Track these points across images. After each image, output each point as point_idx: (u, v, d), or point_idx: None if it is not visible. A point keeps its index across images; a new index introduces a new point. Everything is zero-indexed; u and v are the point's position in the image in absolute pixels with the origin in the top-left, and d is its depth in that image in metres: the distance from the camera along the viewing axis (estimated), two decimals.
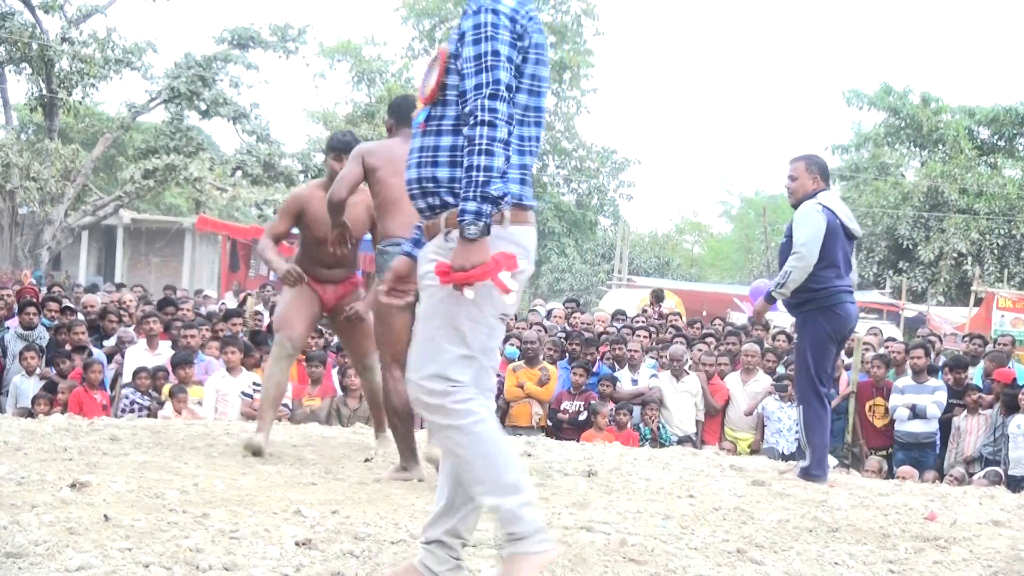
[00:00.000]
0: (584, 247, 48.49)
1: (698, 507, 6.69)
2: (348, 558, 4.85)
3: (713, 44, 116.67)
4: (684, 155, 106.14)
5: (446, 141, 4.30)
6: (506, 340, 14.80)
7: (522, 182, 4.33)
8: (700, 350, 14.60)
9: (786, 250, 8.57)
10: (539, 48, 4.31)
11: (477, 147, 4.06)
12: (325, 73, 46.58)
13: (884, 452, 12.99)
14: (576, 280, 44.97)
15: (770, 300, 8.61)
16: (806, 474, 8.39)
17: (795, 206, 8.78)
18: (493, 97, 4.09)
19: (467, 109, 4.14)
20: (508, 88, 4.14)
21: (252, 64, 35.18)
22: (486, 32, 4.17)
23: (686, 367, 13.82)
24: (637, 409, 13.26)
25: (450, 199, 4.26)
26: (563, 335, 15.34)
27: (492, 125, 4.06)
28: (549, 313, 19.28)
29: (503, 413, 13.23)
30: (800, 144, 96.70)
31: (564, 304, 20.43)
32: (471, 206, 4.02)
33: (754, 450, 12.91)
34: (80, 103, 34.24)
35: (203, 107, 34.24)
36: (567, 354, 14.39)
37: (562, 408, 13.20)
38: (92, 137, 40.20)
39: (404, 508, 6.11)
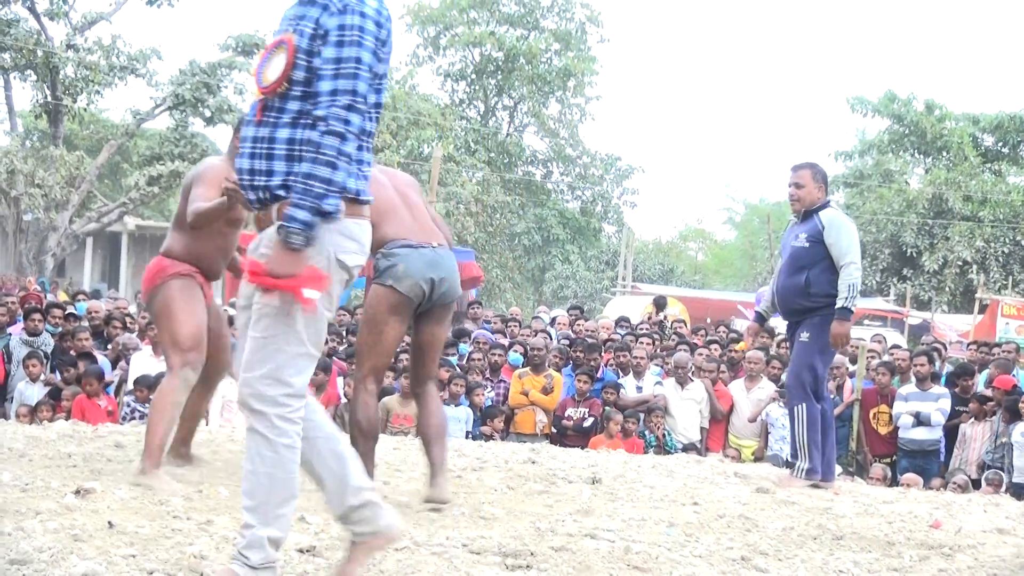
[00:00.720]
0: (588, 254, 48.54)
1: (702, 515, 6.69)
2: None
3: (717, 51, 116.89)
4: (688, 162, 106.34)
5: (283, 134, 4.22)
6: (510, 347, 14.80)
7: (360, 177, 4.28)
8: (703, 356, 14.59)
9: (809, 255, 8.64)
10: (388, 47, 4.30)
11: (323, 157, 4.02)
12: None
13: (888, 460, 12.98)
14: (580, 287, 44.99)
15: (847, 315, 8.54)
16: (812, 475, 8.44)
17: (800, 213, 8.83)
18: (350, 108, 4.07)
19: (319, 112, 4.08)
20: (365, 99, 4.12)
21: None
22: (352, 36, 4.12)
23: (690, 374, 13.81)
24: (641, 416, 13.25)
25: (281, 192, 4.22)
26: (567, 342, 15.32)
27: (343, 138, 4.04)
28: (553, 320, 19.25)
29: (507, 420, 13.23)
30: (804, 151, 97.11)
31: (568, 311, 20.40)
32: (301, 215, 3.99)
33: (758, 457, 12.89)
34: (85, 110, 34.28)
35: (208, 114, 34.25)
36: (571, 361, 14.37)
37: (566, 415, 13.18)
38: (97, 144, 40.29)
39: (408, 515, 6.10)
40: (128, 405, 11.79)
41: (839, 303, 8.49)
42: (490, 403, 13.21)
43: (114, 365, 13.05)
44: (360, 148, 4.21)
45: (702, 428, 13.64)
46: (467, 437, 11.90)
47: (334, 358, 13.43)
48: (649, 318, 20.63)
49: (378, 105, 4.31)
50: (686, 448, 12.69)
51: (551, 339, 15.41)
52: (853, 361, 13.76)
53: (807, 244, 8.65)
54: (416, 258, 6.45)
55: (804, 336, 8.70)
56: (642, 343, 15.18)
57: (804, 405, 8.65)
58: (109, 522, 5.21)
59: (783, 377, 13.65)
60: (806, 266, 8.65)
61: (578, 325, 17.82)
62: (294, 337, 4.18)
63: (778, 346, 15.23)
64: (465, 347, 15.08)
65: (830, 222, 8.65)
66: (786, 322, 9.32)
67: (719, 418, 13.72)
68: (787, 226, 9.36)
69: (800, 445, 8.65)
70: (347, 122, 4.04)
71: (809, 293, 8.63)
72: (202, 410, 7.68)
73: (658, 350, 15.58)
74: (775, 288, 9.02)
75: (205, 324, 6.97)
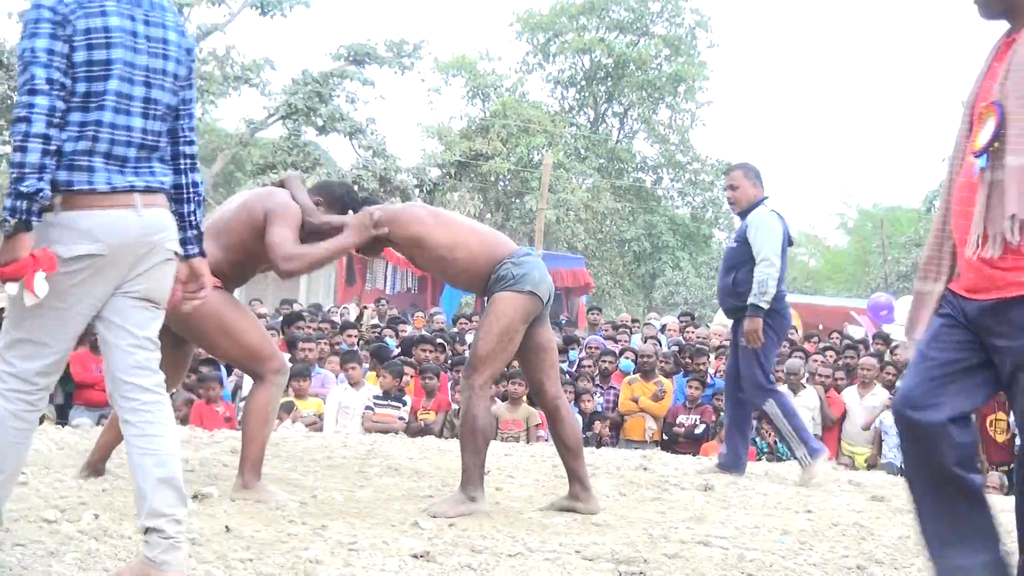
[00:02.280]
0: (698, 260, 48.28)
1: (816, 522, 6.64)
2: (465, 571, 4.86)
3: (828, 54, 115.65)
4: (800, 167, 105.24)
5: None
6: (621, 353, 14.79)
7: (88, 168, 4.23)
8: (817, 362, 14.47)
9: (736, 255, 8.76)
10: (91, 33, 4.23)
11: (14, 144, 4.07)
12: (440, 88, 46.69)
13: (1005, 468, 12.77)
14: (690, 293, 44.74)
15: (759, 312, 8.57)
16: (817, 453, 8.63)
17: (741, 214, 8.90)
18: (31, 93, 4.07)
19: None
20: (49, 81, 4.10)
21: (368, 80, 35.45)
22: (27, 29, 4.17)
23: (803, 381, 13.70)
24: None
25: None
26: (676, 348, 15.27)
27: (28, 121, 4.05)
28: (663, 327, 19.22)
29: (616, 426, 13.22)
30: (917, 154, 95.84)
31: (679, 318, 20.36)
32: (7, 202, 4.02)
33: (871, 465, 12.77)
34: (200, 120, 34.71)
35: (320, 123, 34.55)
36: (682, 368, 14.32)
37: (678, 422, 13.13)
38: (211, 153, 40.78)
39: (521, 521, 6.12)
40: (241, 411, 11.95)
41: (749, 299, 8.56)
42: (599, 409, 13.21)
43: (229, 371, 13.22)
44: (81, 138, 4.21)
45: (815, 435, 13.53)
46: None
47: (444, 365, 13.50)
48: None
49: (104, 94, 4.26)
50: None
51: (660, 346, 15.37)
52: None
53: (735, 244, 8.80)
54: (542, 265, 6.57)
55: (742, 341, 8.71)
56: None
57: (772, 401, 8.69)
58: (226, 526, 5.28)
59: (898, 383, 13.51)
60: (735, 266, 8.77)
61: (688, 331, 17.77)
62: (19, 322, 4.23)
63: (892, 352, 15.08)
64: (575, 353, 15.11)
65: (756, 221, 8.71)
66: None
67: (830, 425, 13.59)
68: None
69: (789, 436, 8.65)
70: (30, 106, 4.06)
71: (738, 292, 8.70)
72: None
73: None
74: (717, 287, 9.15)
75: (264, 327, 6.95)
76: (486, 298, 6.57)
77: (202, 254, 4.67)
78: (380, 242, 6.68)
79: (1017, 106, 3.77)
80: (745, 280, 8.64)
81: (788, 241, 8.82)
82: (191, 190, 4.60)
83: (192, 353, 7.17)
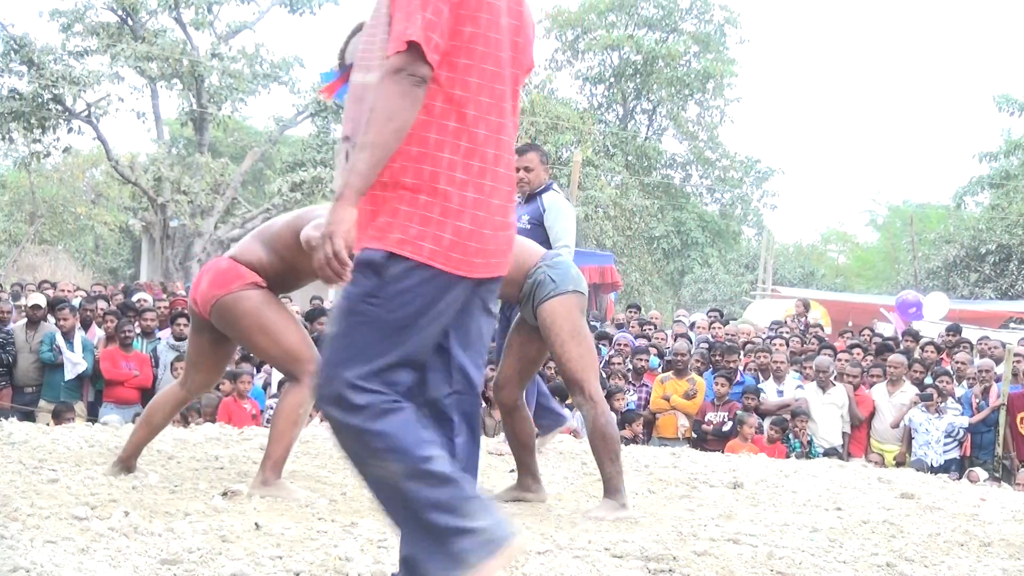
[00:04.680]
0: (727, 257, 48.24)
1: (846, 520, 6.63)
2: None
3: (858, 50, 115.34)
4: (829, 164, 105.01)
5: None
6: (645, 350, 14.79)
7: None
8: (845, 360, 14.44)
9: (535, 237, 8.52)
10: None
11: None
12: None
13: None
14: (719, 291, 44.64)
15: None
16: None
17: (528, 196, 9.01)
18: None
19: None
20: None
21: None
22: None
23: (832, 378, 13.68)
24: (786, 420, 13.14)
25: None
26: (706, 346, 15.25)
27: None
28: (692, 324, 19.18)
29: (649, 424, 13.21)
30: (948, 151, 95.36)
31: (708, 314, 20.33)
32: None
33: (899, 462, 12.75)
34: (229, 117, 34.79)
35: None
36: (711, 365, 14.29)
37: (706, 419, 13.13)
38: (240, 151, 40.89)
39: (550, 519, 6.13)
40: (271, 408, 11.98)
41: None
42: (631, 407, 13.20)
43: (258, 369, 13.28)
44: None
45: (844, 433, 13.51)
46: None
47: None
48: (794, 319, 20.40)
49: None
50: (827, 453, 12.58)
51: (691, 343, 15.36)
52: (999, 362, 13.54)
53: (528, 227, 8.73)
54: (572, 261, 6.66)
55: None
56: (782, 346, 15.08)
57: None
58: (256, 523, 5.30)
59: (927, 380, 13.48)
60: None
61: (715, 327, 17.74)
62: None
63: (923, 349, 15.04)
64: (605, 350, 15.10)
65: (550, 205, 8.88)
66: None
67: (858, 423, 13.58)
68: None
69: None
70: None
71: None
72: (168, 422, 7.23)
73: (798, 354, 15.45)
74: None
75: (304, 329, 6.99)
76: (521, 305, 6.55)
77: None
78: None
79: None
80: None
81: None
82: None
83: (233, 352, 7.21)
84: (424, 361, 3.85)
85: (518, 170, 8.98)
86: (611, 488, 6.39)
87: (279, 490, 6.34)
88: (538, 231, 8.73)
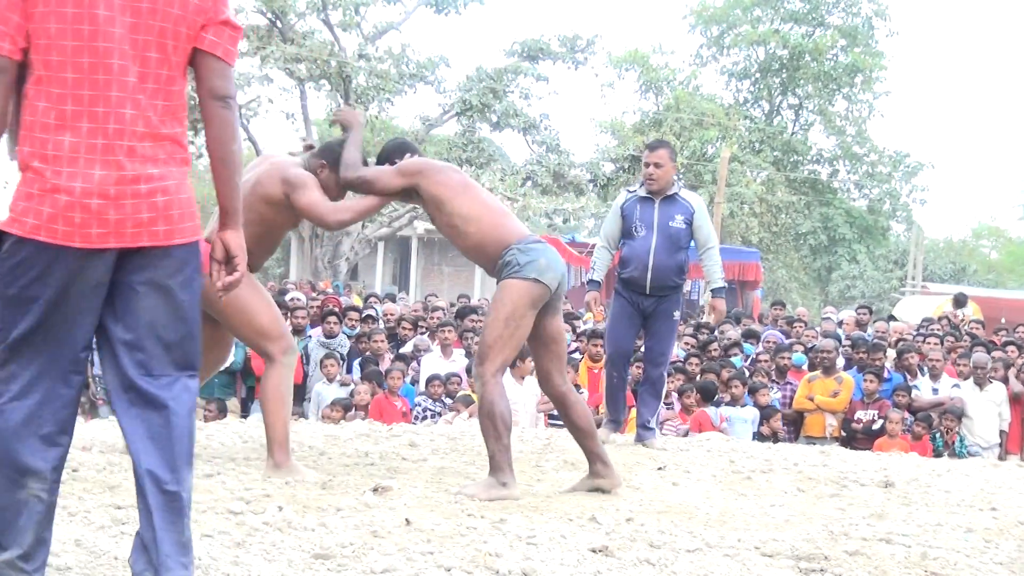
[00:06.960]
0: (876, 253, 47.59)
1: (1001, 520, 6.50)
2: (644, 566, 4.87)
3: (1010, 41, 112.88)
4: (981, 157, 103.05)
5: None
6: (790, 347, 14.67)
7: None
8: (998, 358, 14.17)
9: (684, 236, 9.12)
10: None
11: None
12: (613, 83, 46.54)
13: None
14: (867, 287, 44.11)
15: (724, 293, 9.48)
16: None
17: (655, 192, 9.13)
18: None
19: None
20: None
21: (542, 76, 35.43)
22: None
23: (989, 376, 13.43)
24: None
25: None
26: (849, 344, 15.03)
27: None
28: (840, 322, 18.94)
29: (796, 422, 13.10)
30: None
31: (856, 310, 20.07)
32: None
33: None
34: (376, 117, 35.05)
35: (494, 119, 34.63)
36: (856, 363, 14.08)
37: (855, 417, 12.95)
38: None
39: (698, 517, 6.10)
40: (419, 405, 12.09)
41: (718, 283, 9.40)
42: (775, 404, 13.08)
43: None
44: None
45: (1001, 431, 13.27)
46: (753, 438, 11.83)
47: None
48: (947, 317, 20.05)
49: None
50: (983, 451, 12.37)
51: (840, 341, 15.17)
52: None
53: (684, 226, 9.07)
54: (551, 253, 6.61)
55: (677, 314, 9.35)
56: (936, 344, 14.84)
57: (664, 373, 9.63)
58: (406, 519, 5.34)
59: None
60: (684, 247, 9.15)
61: (867, 325, 17.52)
62: None
63: None
64: (750, 347, 15.00)
65: (699, 205, 9.29)
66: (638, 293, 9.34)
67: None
68: (626, 200, 9.35)
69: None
70: None
71: (682, 271, 9.24)
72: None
73: (953, 351, 15.18)
74: (650, 264, 9.05)
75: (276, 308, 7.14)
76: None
77: None
78: (411, 192, 6.78)
79: None
80: (687, 261, 9.25)
81: None
82: None
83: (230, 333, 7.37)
84: (58, 343, 3.85)
85: (647, 165, 9.16)
86: (493, 466, 6.45)
87: (292, 472, 6.51)
88: (689, 230, 9.11)
